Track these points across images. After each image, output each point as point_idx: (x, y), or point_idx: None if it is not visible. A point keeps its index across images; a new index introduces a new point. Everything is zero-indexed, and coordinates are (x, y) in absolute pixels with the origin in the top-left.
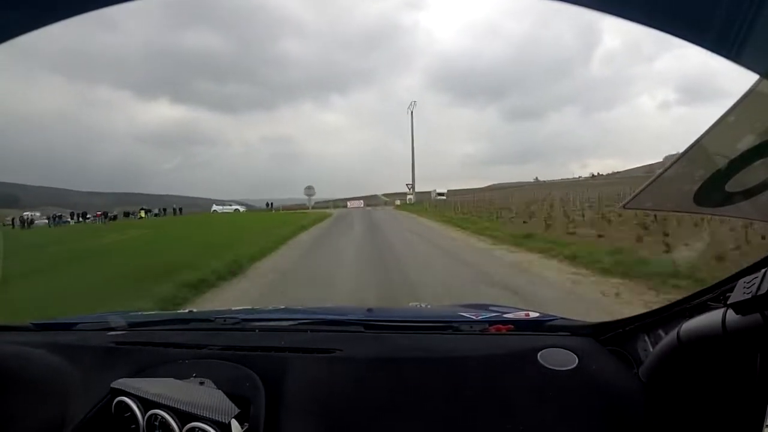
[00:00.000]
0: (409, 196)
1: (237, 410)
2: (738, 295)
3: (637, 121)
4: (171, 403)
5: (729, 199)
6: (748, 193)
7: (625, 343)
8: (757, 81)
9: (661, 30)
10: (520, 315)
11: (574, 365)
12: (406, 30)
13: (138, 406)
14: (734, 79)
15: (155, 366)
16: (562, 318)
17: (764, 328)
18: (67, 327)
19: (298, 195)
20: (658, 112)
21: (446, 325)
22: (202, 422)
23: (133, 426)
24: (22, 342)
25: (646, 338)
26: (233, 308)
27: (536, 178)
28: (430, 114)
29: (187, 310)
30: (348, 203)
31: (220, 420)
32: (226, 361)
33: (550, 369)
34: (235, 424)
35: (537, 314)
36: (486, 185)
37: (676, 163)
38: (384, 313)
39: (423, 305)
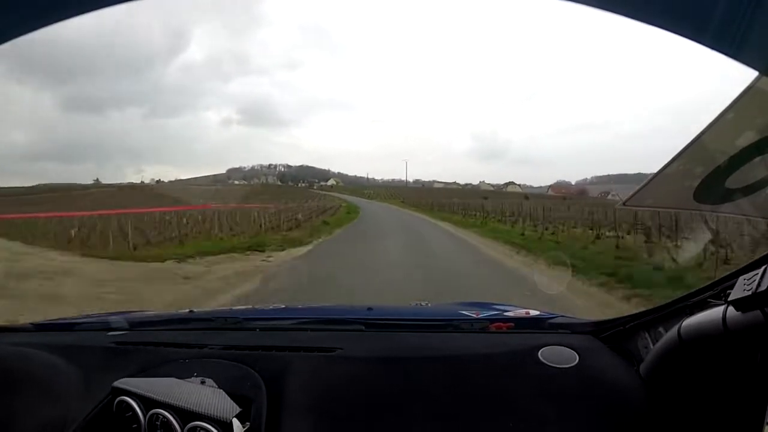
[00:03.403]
0: None
1: (238, 409)
2: (738, 292)
3: (198, 132)
4: (172, 403)
5: (729, 195)
6: (748, 190)
7: (626, 340)
8: (756, 78)
9: (660, 27)
10: (521, 313)
11: (575, 363)
12: None
13: (139, 406)
14: (292, 111)
15: (156, 366)
16: (562, 316)
17: (765, 325)
18: (68, 327)
19: None
20: (220, 127)
21: (447, 323)
22: (203, 421)
23: (135, 425)
24: (23, 343)
25: (647, 335)
26: (234, 308)
27: (97, 179)
28: None
29: (187, 310)
30: None
31: (221, 419)
32: (227, 361)
33: (551, 367)
34: (236, 423)
35: (537, 312)
36: (32, 185)
37: (676, 160)
38: (384, 312)
39: (423, 303)
